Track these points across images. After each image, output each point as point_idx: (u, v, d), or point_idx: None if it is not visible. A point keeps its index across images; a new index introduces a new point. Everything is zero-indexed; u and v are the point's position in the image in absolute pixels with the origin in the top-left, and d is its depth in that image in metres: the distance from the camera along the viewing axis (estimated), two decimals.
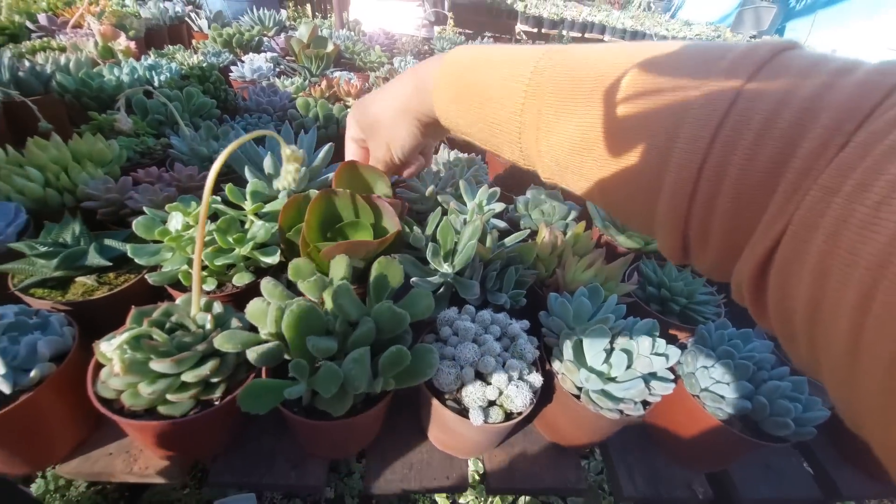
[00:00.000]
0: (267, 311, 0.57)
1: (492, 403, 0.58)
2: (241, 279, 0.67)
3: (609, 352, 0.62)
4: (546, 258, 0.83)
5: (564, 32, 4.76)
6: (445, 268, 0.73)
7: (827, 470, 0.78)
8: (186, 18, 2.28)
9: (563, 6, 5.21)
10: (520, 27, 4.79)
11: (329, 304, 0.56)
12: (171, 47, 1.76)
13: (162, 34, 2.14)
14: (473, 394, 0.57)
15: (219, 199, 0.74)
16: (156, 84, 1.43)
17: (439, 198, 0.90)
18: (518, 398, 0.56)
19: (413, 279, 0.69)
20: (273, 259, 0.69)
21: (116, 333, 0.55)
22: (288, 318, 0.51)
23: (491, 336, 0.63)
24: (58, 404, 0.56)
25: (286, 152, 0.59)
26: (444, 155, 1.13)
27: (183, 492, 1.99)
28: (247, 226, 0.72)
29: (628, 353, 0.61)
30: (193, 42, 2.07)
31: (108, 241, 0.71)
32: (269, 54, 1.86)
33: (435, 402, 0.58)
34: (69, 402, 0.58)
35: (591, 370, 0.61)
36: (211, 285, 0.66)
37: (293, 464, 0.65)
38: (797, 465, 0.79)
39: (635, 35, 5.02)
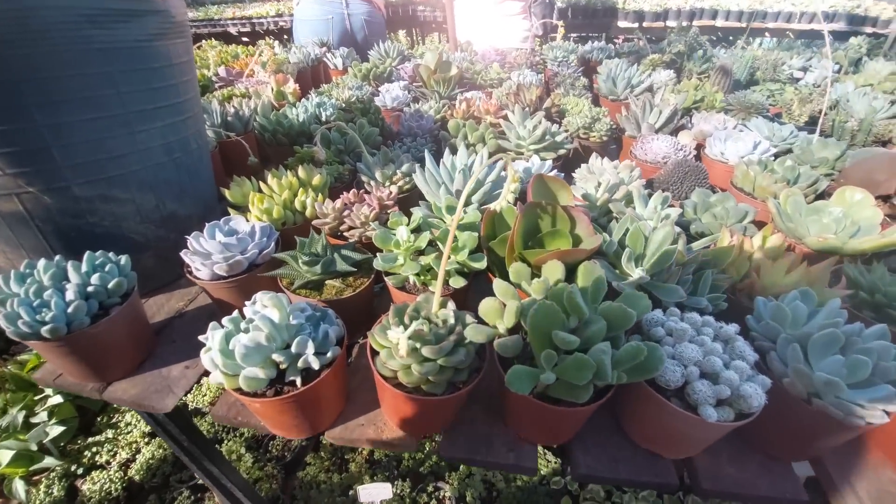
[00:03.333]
0: (501, 310, 0.66)
1: (721, 402, 0.60)
2: (456, 282, 0.78)
3: (845, 357, 0.60)
4: (736, 262, 0.82)
5: (670, 24, 4.49)
6: (636, 272, 0.76)
7: None
8: (324, 59, 2.63)
9: None
10: (620, 24, 4.62)
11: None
12: (325, 86, 2.05)
13: (307, 74, 2.50)
14: (704, 392, 0.59)
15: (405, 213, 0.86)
16: (323, 118, 1.68)
17: (611, 206, 0.93)
18: (754, 398, 0.57)
19: (616, 283, 0.73)
20: (481, 264, 0.79)
21: (379, 326, 0.68)
22: (534, 316, 0.59)
23: (707, 337, 0.64)
24: (338, 379, 0.71)
25: (510, 173, 0.68)
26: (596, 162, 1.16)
27: (330, 475, 2.25)
28: (457, 236, 0.83)
29: (869, 357, 0.59)
30: (334, 79, 2.38)
31: (343, 252, 0.87)
32: (400, 83, 2.06)
33: (659, 397, 0.61)
34: (341, 378, 0.72)
35: (826, 376, 0.60)
36: (435, 287, 0.78)
37: (509, 447, 0.73)
38: None
39: (753, 16, 4.55)
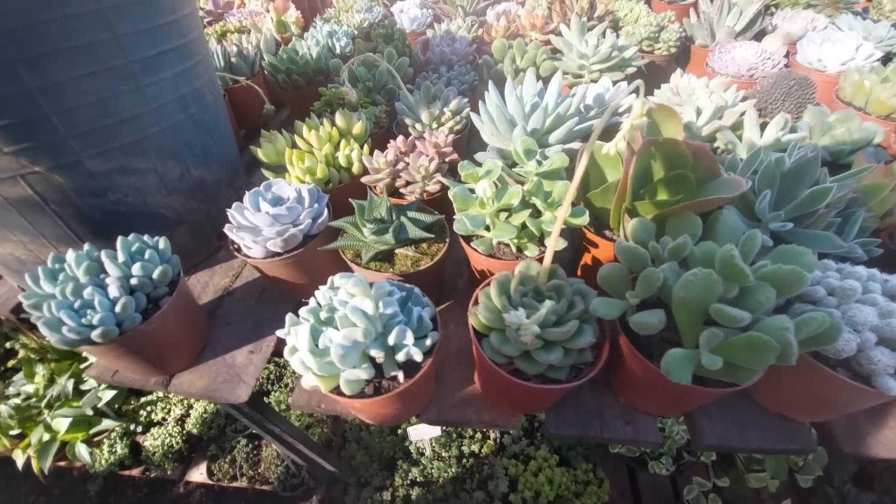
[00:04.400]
0: (627, 277, 0.55)
1: None
2: (557, 244, 0.66)
3: None
4: (883, 196, 0.69)
5: None
6: (773, 217, 0.64)
7: None
8: None
9: None
10: None
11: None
12: (329, 10, 1.77)
13: None
14: (884, 362, 0.50)
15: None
16: (337, 51, 1.46)
17: (719, 135, 0.78)
18: None
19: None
20: (583, 220, 0.67)
21: (483, 305, 0.58)
22: (688, 287, 0.48)
23: (878, 296, 0.54)
24: (435, 365, 0.63)
25: (638, 105, 0.53)
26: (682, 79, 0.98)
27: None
28: (548, 187, 0.69)
29: None
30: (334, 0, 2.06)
31: (410, 214, 0.75)
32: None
33: (825, 370, 0.52)
34: (437, 362, 0.64)
35: None
36: (533, 251, 0.66)
37: (624, 420, 0.66)
38: None
39: None
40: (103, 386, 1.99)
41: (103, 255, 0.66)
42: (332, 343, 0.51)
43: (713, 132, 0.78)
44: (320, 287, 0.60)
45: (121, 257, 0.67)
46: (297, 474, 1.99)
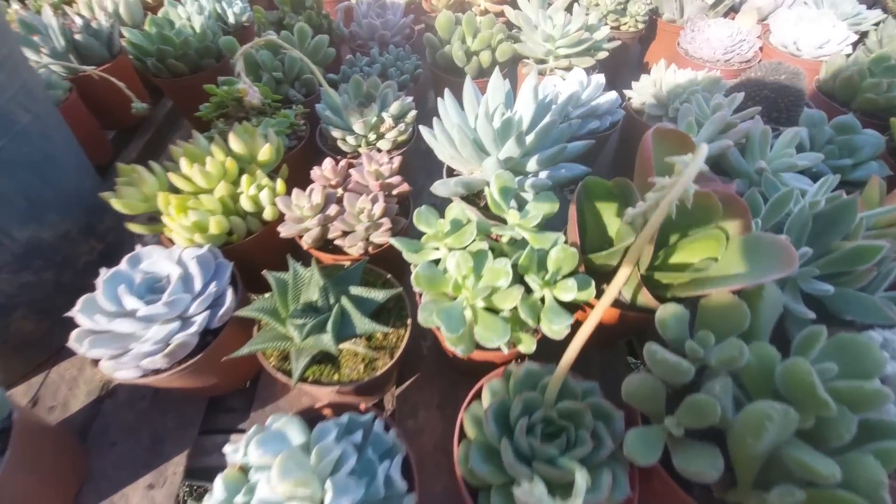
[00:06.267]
0: (662, 394, 0.41)
1: None
2: (556, 330, 0.49)
3: None
4: None
5: None
6: (804, 274, 0.53)
7: None
8: None
9: None
10: None
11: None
12: None
13: None
14: None
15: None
16: (230, 20, 1.12)
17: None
18: None
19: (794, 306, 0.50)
20: (588, 293, 0.50)
21: (481, 462, 0.42)
22: (759, 434, 0.35)
23: None
24: None
25: (698, 156, 0.36)
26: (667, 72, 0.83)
27: None
28: (538, 245, 0.52)
29: None
30: None
31: (355, 291, 0.54)
32: None
33: None
34: None
35: None
36: (529, 345, 0.49)
37: None
38: None
39: None
40: None
41: None
42: None
43: (719, 154, 0.65)
44: (219, 474, 0.40)
45: None
46: None
